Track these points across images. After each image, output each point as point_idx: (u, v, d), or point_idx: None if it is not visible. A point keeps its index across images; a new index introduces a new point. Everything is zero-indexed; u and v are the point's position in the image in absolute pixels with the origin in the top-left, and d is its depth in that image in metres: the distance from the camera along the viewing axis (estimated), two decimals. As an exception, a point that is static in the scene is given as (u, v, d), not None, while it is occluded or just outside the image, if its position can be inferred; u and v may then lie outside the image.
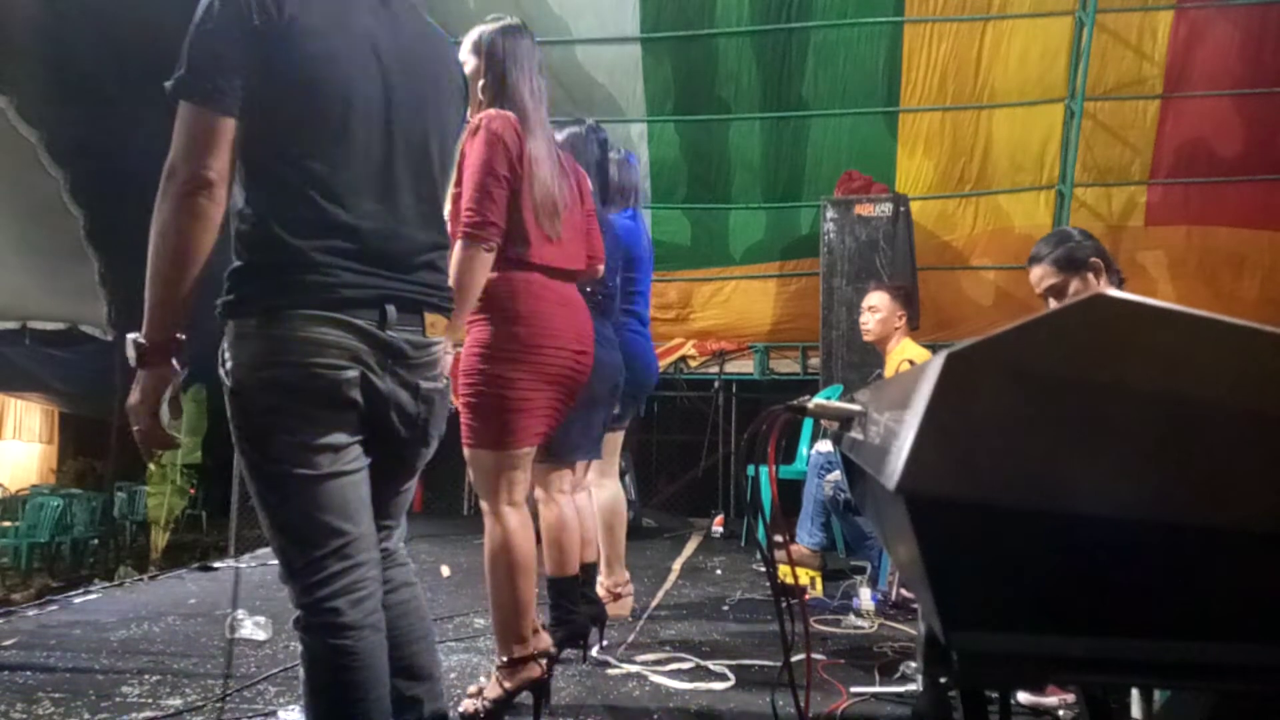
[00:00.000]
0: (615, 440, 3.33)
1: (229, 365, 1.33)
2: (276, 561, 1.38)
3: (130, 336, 1.27)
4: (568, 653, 2.62)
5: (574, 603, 2.63)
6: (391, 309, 1.38)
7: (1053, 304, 2.35)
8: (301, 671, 1.36)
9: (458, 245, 1.97)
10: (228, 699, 2.28)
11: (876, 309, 3.73)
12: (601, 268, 2.54)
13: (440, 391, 1.52)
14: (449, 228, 2.08)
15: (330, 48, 1.33)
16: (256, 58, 1.26)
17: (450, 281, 1.92)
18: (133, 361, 1.27)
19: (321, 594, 1.32)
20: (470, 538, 5.23)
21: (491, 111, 2.07)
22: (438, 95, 1.53)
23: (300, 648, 1.35)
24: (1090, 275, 2.29)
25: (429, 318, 1.46)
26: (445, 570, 4.26)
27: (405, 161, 1.44)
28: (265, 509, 1.36)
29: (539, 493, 2.70)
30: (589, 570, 2.98)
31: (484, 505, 2.15)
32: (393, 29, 1.45)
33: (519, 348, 2.09)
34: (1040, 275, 2.35)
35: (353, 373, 1.33)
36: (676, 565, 4.54)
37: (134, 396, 1.29)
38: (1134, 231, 6.31)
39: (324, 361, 1.31)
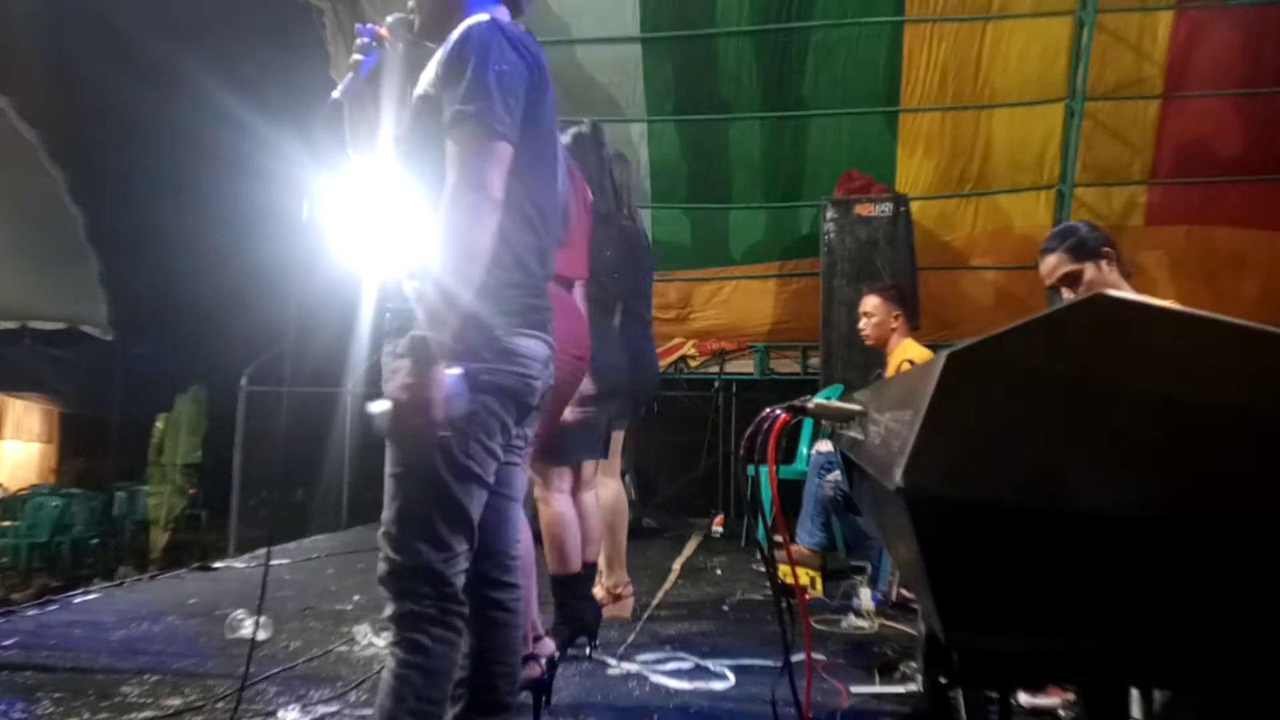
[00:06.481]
0: (617, 440, 3.32)
1: None
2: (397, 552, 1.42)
3: (425, 335, 1.33)
4: (569, 651, 2.62)
5: (579, 599, 2.63)
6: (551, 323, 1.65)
7: (1065, 294, 2.34)
8: (397, 652, 1.40)
9: None
10: (226, 699, 2.28)
11: (870, 314, 3.74)
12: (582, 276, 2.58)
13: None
14: None
15: (550, 98, 1.59)
16: (527, 103, 1.50)
17: None
18: (435, 360, 1.33)
19: (449, 580, 1.44)
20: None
21: None
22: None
23: (398, 630, 1.41)
24: (1104, 263, 2.28)
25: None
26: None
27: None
28: (425, 498, 1.43)
29: (538, 491, 2.70)
30: (592, 569, 2.98)
31: None
32: None
33: None
34: (1054, 264, 2.31)
35: (539, 382, 1.56)
36: (676, 565, 4.54)
37: (424, 393, 1.33)
38: (1134, 231, 6.30)
39: (529, 372, 1.52)
